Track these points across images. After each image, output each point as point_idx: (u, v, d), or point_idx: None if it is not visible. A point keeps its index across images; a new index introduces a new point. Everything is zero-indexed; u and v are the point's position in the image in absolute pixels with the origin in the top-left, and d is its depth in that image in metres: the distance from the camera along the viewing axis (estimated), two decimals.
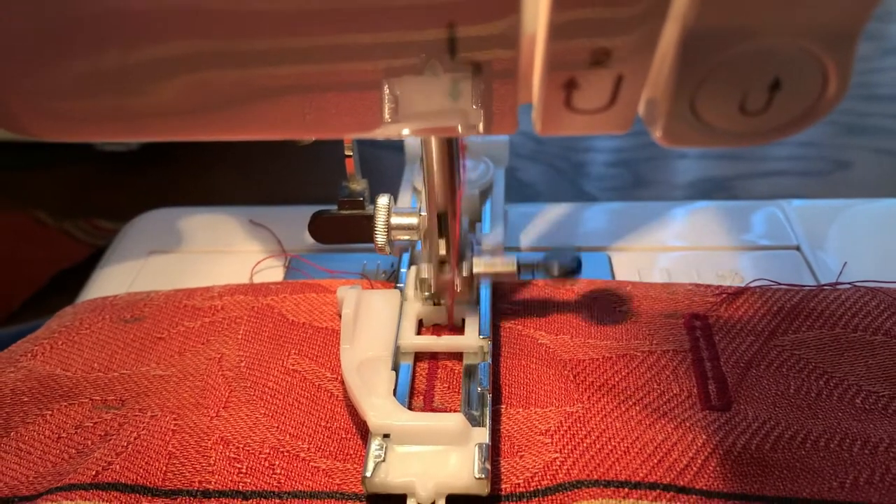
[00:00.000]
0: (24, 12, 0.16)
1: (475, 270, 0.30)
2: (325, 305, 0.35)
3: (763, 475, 0.26)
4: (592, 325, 0.33)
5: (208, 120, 0.19)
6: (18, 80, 0.18)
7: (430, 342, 0.31)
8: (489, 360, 0.30)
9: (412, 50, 0.17)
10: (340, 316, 0.31)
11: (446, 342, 0.31)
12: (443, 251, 0.30)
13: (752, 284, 0.34)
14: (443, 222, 0.29)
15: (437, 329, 0.33)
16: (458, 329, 0.32)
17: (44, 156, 0.58)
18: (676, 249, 0.39)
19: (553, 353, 0.32)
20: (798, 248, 0.38)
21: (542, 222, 0.42)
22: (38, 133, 0.20)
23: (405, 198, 0.37)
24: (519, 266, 0.30)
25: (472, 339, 0.31)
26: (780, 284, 0.34)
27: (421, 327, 0.33)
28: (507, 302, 0.34)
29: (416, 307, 0.33)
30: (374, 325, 0.31)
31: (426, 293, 0.33)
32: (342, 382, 0.30)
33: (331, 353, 0.32)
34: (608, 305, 0.34)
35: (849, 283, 0.34)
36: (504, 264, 0.30)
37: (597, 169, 0.55)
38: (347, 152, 0.34)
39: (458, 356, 0.32)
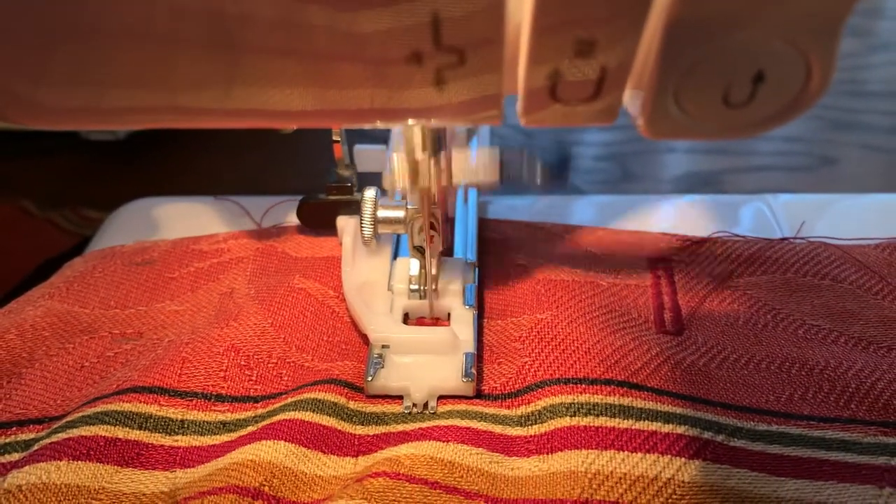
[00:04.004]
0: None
1: (454, 181, 0.29)
2: (325, 242, 0.38)
3: (708, 385, 0.29)
4: (565, 257, 0.36)
5: (194, 107, 0.19)
6: None
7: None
8: (475, 281, 0.33)
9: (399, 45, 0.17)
10: (341, 244, 0.35)
11: None
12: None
13: (714, 235, 0.37)
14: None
15: (421, 322, 0.33)
16: (444, 322, 0.32)
17: (30, 145, 0.57)
18: None
19: (528, 272, 0.35)
20: None
21: (530, 215, 0.42)
22: (20, 120, 0.19)
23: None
24: (502, 172, 0.29)
25: (459, 334, 0.31)
26: (740, 236, 0.37)
27: (407, 320, 0.33)
28: (492, 231, 0.38)
29: (402, 301, 0.33)
30: (372, 252, 0.34)
31: (412, 286, 0.33)
32: (344, 301, 0.33)
33: (333, 275, 0.35)
34: (581, 244, 0.38)
35: (803, 238, 0.37)
36: (485, 171, 0.29)
37: (585, 162, 0.55)
38: (335, 138, 0.34)
39: None
